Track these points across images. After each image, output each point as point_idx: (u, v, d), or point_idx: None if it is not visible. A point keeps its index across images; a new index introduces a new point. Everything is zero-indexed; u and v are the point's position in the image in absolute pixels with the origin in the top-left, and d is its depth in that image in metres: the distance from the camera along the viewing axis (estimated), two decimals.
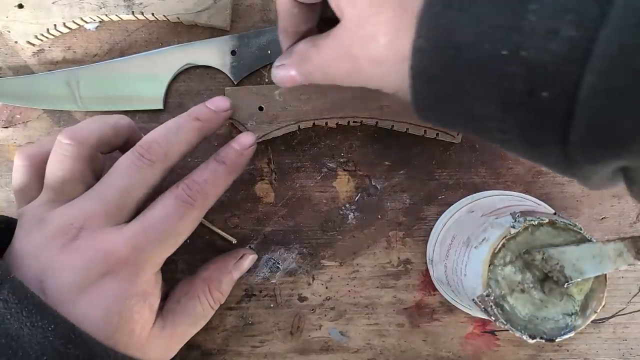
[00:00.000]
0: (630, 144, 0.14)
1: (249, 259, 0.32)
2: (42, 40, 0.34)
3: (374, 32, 0.19)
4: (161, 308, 0.27)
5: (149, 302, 0.25)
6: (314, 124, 0.32)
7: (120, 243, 0.24)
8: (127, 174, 0.25)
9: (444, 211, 0.34)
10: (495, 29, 0.15)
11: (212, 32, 0.34)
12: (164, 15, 0.33)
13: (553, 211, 0.32)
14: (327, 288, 0.34)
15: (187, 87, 0.34)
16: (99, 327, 0.23)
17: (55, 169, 0.25)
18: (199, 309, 0.29)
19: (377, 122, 0.32)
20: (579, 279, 0.24)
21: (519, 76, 0.15)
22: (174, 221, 0.25)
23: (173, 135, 0.26)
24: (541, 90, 0.14)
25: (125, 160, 0.26)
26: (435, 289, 0.34)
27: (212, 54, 0.33)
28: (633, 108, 0.13)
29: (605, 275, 0.25)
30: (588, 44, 0.13)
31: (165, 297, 0.29)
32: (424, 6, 0.16)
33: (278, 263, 0.34)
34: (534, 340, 0.25)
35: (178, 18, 0.33)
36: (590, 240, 0.25)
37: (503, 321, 0.25)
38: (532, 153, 0.17)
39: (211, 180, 0.27)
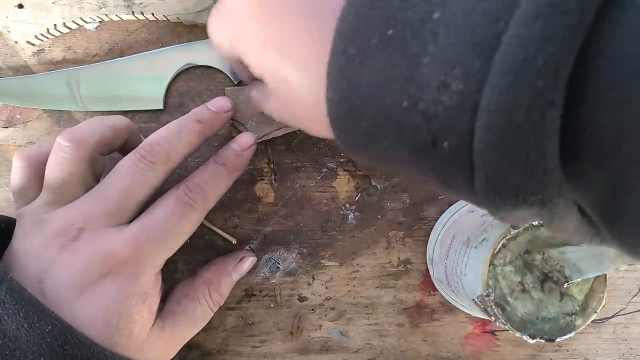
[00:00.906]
0: (525, 196, 0.14)
1: (249, 261, 0.32)
2: (42, 40, 0.34)
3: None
4: (160, 309, 0.27)
5: (149, 303, 0.25)
6: None
7: (121, 243, 0.24)
8: (128, 176, 0.25)
9: (444, 211, 0.34)
10: (394, 82, 0.15)
11: None
12: (164, 15, 0.33)
13: None
14: (327, 288, 0.34)
15: (187, 87, 0.34)
16: (98, 327, 0.23)
17: (54, 170, 0.25)
18: (199, 311, 0.29)
19: None
20: (579, 279, 0.24)
21: (421, 127, 0.15)
22: (174, 222, 0.25)
23: (174, 137, 0.26)
24: (442, 141, 0.15)
25: (126, 162, 0.26)
26: (435, 289, 0.34)
27: (212, 54, 0.33)
28: (517, 164, 0.13)
29: (605, 275, 0.25)
30: (476, 98, 0.13)
31: (164, 298, 0.29)
32: (329, 60, 0.16)
33: (278, 263, 0.34)
34: (534, 340, 0.25)
35: (178, 18, 0.33)
36: None
37: (503, 321, 0.25)
38: (451, 194, 0.17)
39: (211, 181, 0.27)
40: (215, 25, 0.22)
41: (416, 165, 0.16)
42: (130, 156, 0.26)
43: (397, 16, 0.15)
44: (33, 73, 0.34)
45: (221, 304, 0.31)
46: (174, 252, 0.26)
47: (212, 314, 0.30)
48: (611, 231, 0.14)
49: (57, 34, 0.34)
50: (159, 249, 0.25)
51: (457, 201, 0.34)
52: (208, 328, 0.32)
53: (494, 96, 0.13)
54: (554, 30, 0.12)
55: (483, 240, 0.27)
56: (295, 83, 0.19)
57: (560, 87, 0.12)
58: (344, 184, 0.34)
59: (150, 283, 0.25)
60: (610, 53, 0.12)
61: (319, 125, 0.18)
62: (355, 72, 0.16)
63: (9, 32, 0.33)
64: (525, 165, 0.13)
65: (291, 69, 0.19)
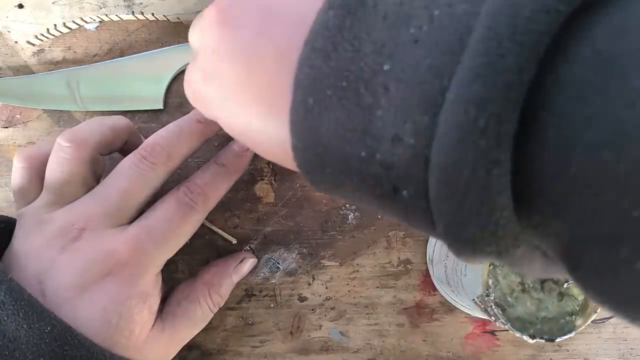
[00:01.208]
0: (481, 247, 0.14)
1: (249, 263, 0.32)
2: (42, 40, 0.34)
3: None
4: (160, 310, 0.27)
5: (149, 304, 0.25)
6: None
7: (122, 244, 0.24)
8: (128, 176, 0.25)
9: None
10: (351, 133, 0.15)
11: None
12: (164, 15, 0.33)
13: None
14: (327, 288, 0.34)
15: None
16: (97, 328, 0.23)
17: (55, 171, 0.25)
18: (199, 312, 0.29)
19: None
20: None
21: (381, 176, 0.15)
22: (175, 224, 0.25)
23: (175, 138, 0.26)
24: (402, 190, 0.15)
25: (127, 163, 0.26)
26: (435, 289, 0.34)
27: None
28: (469, 218, 0.13)
29: None
30: (426, 152, 0.13)
31: (164, 299, 0.29)
32: (290, 109, 0.16)
33: (278, 263, 0.34)
34: (534, 340, 0.25)
35: (178, 18, 0.33)
36: None
37: (503, 321, 0.25)
38: (422, 232, 0.17)
39: (212, 182, 0.27)
40: (186, 90, 0.23)
41: (383, 208, 0.16)
42: (130, 157, 0.26)
43: (349, 67, 0.15)
44: (33, 73, 0.34)
45: (221, 305, 0.31)
46: (174, 253, 0.26)
47: (212, 315, 0.30)
48: (575, 277, 0.14)
49: (57, 34, 0.34)
50: (159, 250, 0.25)
51: None
52: (208, 328, 0.32)
53: (442, 154, 0.13)
54: (493, 91, 0.12)
55: None
56: (262, 136, 0.19)
57: (504, 145, 0.12)
58: None
59: (151, 284, 0.26)
60: (552, 108, 0.12)
61: (292, 166, 0.18)
62: (315, 122, 0.16)
63: (9, 32, 0.33)
64: (477, 219, 0.13)
65: (256, 126, 0.19)
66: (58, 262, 0.24)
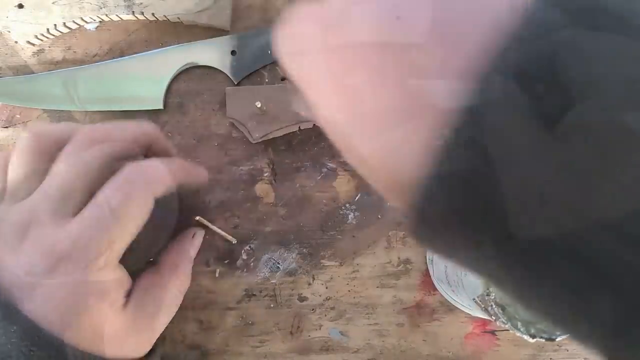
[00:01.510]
0: None
1: (200, 236, 0.31)
2: (42, 40, 0.34)
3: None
4: (128, 301, 0.26)
5: (108, 297, 0.24)
6: (314, 124, 0.32)
7: (63, 240, 0.23)
8: (66, 168, 0.25)
9: None
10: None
11: (212, 32, 0.34)
12: (164, 15, 0.33)
13: None
14: (327, 288, 0.34)
15: (187, 87, 0.34)
16: (59, 326, 0.23)
17: (13, 165, 0.25)
18: (169, 297, 0.28)
19: None
20: None
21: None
22: (113, 210, 0.24)
23: (110, 127, 0.26)
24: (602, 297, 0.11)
25: (62, 155, 0.25)
26: (435, 289, 0.34)
27: (212, 54, 0.33)
28: None
29: None
30: None
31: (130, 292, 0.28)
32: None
33: (278, 263, 0.34)
34: (534, 340, 0.25)
35: (178, 18, 0.33)
36: None
37: (503, 321, 0.25)
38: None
39: (146, 167, 0.26)
40: (279, 47, 0.17)
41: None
42: (65, 149, 0.25)
43: None
44: (33, 73, 0.34)
45: (187, 286, 0.30)
46: (128, 240, 0.25)
47: (181, 299, 0.29)
48: None
49: (57, 34, 0.34)
50: (104, 240, 0.24)
51: None
52: (208, 328, 0.32)
53: None
54: None
55: None
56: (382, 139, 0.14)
57: None
58: (344, 184, 0.34)
59: (106, 276, 0.24)
60: None
61: (397, 199, 0.14)
62: None
63: (9, 32, 0.33)
64: None
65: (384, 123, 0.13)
66: (11, 263, 0.23)
